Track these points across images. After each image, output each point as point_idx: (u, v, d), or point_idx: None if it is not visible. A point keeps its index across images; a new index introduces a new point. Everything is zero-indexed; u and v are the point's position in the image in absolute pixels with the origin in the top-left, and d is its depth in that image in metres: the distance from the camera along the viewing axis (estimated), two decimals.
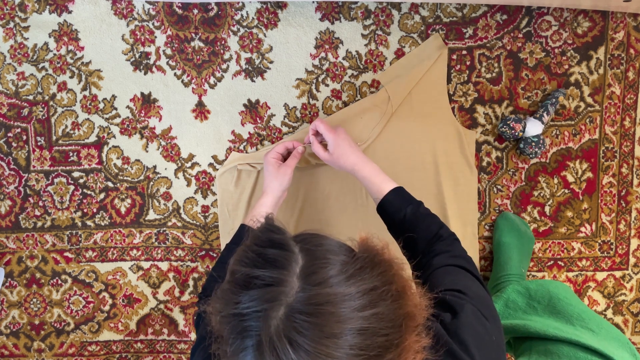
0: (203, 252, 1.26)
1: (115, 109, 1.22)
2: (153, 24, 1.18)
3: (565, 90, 1.16)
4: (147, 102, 1.21)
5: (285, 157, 1.08)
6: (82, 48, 1.20)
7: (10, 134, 1.23)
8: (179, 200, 1.24)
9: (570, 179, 1.20)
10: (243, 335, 0.55)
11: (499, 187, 1.21)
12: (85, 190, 1.24)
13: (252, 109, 1.20)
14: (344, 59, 1.18)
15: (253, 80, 1.19)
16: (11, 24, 1.20)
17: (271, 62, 1.19)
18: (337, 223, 1.21)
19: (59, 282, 1.28)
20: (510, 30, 1.16)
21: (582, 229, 1.22)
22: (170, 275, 1.27)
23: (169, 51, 1.19)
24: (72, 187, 1.24)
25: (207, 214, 1.24)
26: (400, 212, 0.90)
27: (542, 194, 1.21)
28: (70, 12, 1.19)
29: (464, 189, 1.20)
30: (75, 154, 1.23)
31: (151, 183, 1.24)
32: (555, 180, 1.20)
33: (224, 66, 1.19)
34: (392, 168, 1.18)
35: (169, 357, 1.31)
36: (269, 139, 1.21)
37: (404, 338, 0.56)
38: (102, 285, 1.28)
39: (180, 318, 1.29)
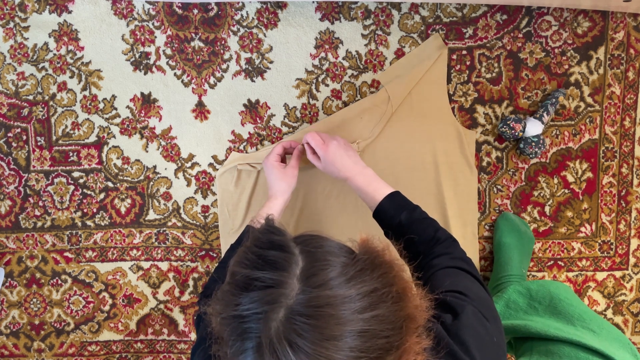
0: (203, 252, 1.26)
1: (115, 109, 1.21)
2: (153, 24, 1.18)
3: (565, 90, 1.16)
4: (147, 102, 1.21)
5: (283, 158, 1.08)
6: (82, 48, 1.20)
7: (10, 134, 1.23)
8: (179, 200, 1.24)
9: (570, 179, 1.20)
10: (243, 337, 0.55)
11: (499, 187, 1.21)
12: (85, 190, 1.24)
13: (252, 109, 1.20)
14: (344, 59, 1.18)
15: (253, 80, 1.19)
16: (11, 24, 1.19)
17: (271, 62, 1.18)
18: (337, 223, 1.21)
19: (59, 282, 1.28)
20: (510, 30, 1.16)
21: (582, 229, 1.22)
22: (170, 275, 1.27)
23: (169, 51, 1.19)
24: (72, 187, 1.24)
25: (207, 214, 1.24)
26: (395, 218, 0.90)
27: (542, 194, 1.21)
28: (70, 12, 1.18)
29: (464, 189, 1.20)
30: (75, 154, 1.23)
31: (151, 183, 1.24)
32: (555, 180, 1.20)
33: (224, 66, 1.19)
34: (392, 168, 1.18)
35: (169, 357, 1.31)
36: (269, 139, 1.21)
37: (404, 340, 0.56)
38: (102, 285, 1.28)
39: (180, 318, 1.29)
